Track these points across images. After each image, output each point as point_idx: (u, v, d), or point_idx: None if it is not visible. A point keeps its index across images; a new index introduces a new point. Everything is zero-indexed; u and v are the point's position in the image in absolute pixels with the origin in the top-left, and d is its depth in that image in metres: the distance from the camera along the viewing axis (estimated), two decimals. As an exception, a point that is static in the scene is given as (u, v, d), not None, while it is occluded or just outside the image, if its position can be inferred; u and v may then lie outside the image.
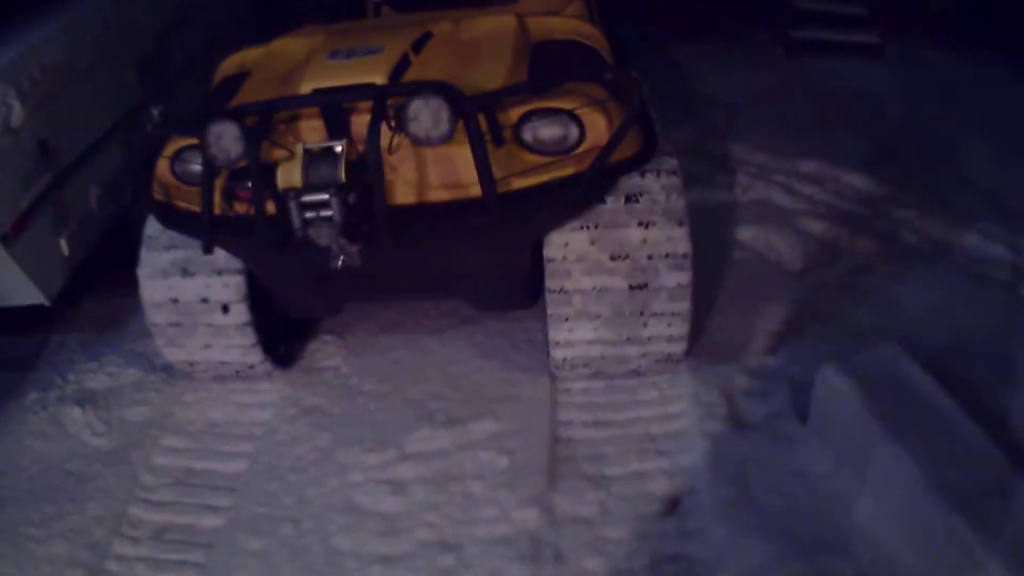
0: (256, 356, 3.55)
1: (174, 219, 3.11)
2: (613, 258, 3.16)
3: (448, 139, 2.65)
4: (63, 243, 3.85)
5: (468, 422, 3.36)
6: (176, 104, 4.68)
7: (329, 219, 2.62)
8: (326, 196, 2.59)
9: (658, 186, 3.19)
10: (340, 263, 2.71)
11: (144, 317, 3.53)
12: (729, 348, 3.63)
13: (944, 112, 5.52)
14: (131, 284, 3.50)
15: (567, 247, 3.15)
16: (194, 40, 5.18)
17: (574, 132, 2.90)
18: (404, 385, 3.61)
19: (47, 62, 3.79)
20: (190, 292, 3.38)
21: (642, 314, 3.24)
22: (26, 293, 3.68)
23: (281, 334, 3.79)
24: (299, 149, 2.70)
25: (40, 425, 3.65)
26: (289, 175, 2.66)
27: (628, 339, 3.31)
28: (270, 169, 2.71)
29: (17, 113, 3.49)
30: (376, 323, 4.00)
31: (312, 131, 2.84)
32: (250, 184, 2.75)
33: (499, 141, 2.85)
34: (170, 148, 3.09)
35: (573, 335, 3.30)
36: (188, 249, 3.28)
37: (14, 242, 3.53)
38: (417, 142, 2.67)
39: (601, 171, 2.84)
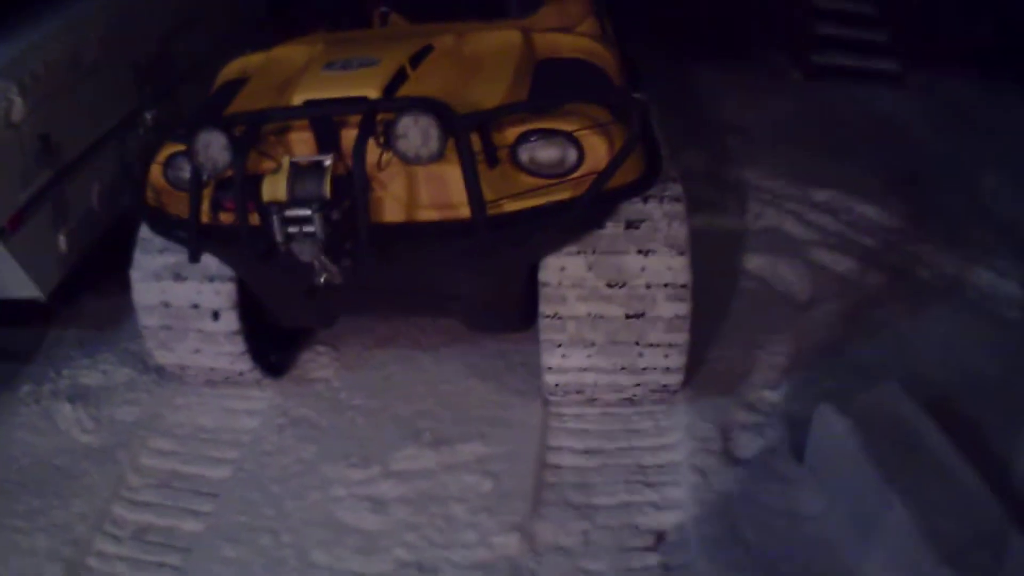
0: (245, 364, 3.52)
1: (163, 225, 3.08)
2: (610, 285, 3.09)
3: (437, 158, 2.58)
4: (62, 239, 3.84)
5: (456, 443, 3.30)
6: (177, 107, 4.67)
7: (312, 235, 2.56)
8: (308, 212, 2.54)
9: (660, 213, 3.11)
10: (323, 280, 2.66)
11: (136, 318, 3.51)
12: (729, 379, 3.54)
13: (963, 143, 5.41)
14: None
15: (563, 271, 3.08)
16: (200, 43, 5.17)
17: (572, 155, 2.81)
18: (394, 401, 3.56)
19: (50, 58, 3.78)
20: (181, 297, 3.36)
21: (637, 344, 3.16)
22: (21, 287, 3.67)
23: (273, 342, 3.75)
24: (286, 162, 2.65)
25: (32, 418, 3.67)
26: (274, 188, 2.61)
27: (623, 368, 3.23)
28: (257, 180, 2.66)
29: (18, 108, 3.49)
30: (371, 337, 3.95)
31: (302, 143, 2.78)
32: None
33: (493, 161, 2.77)
34: (163, 153, 3.06)
35: (566, 361, 3.23)
36: (181, 253, 3.22)
37: (11, 236, 3.52)
38: (405, 160, 2.59)
39: (598, 197, 2.76)
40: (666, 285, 3.09)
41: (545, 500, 3.05)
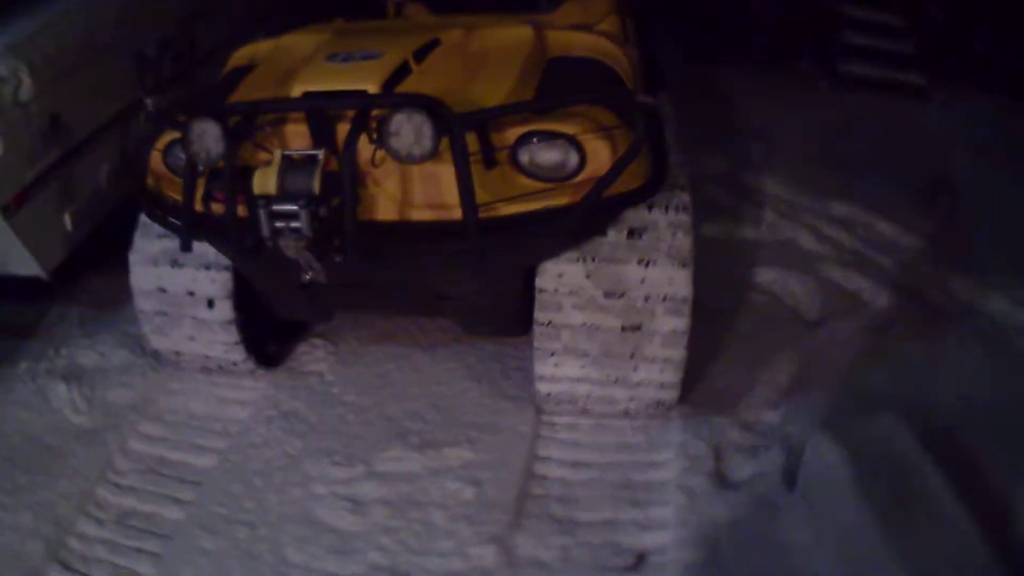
0: (239, 354, 3.50)
1: (158, 212, 3.05)
2: (608, 295, 3.01)
3: (430, 157, 2.50)
4: (67, 218, 3.84)
5: (442, 447, 3.25)
6: (192, 91, 4.65)
7: (298, 231, 2.50)
8: (296, 207, 2.48)
9: (665, 222, 3.03)
10: (308, 277, 2.61)
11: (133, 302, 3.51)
12: (728, 397, 3.45)
13: (985, 163, 5.24)
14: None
15: (560, 278, 3.01)
16: (218, 28, 5.14)
17: (574, 158, 2.72)
18: (385, 400, 3.52)
19: (63, 38, 3.77)
20: (178, 283, 3.34)
21: (632, 357, 3.08)
22: (24, 264, 3.68)
23: (270, 333, 3.72)
24: (278, 155, 2.59)
25: (26, 395, 3.67)
26: (264, 181, 2.55)
27: (616, 381, 3.16)
28: (249, 172, 2.61)
29: (27, 87, 3.47)
30: (369, 332, 3.91)
31: (297, 136, 2.72)
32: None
33: (491, 162, 2.70)
34: (163, 140, 3.03)
35: (559, 371, 3.17)
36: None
37: (15, 213, 3.52)
38: (397, 158, 2.52)
39: (597, 203, 2.66)
40: (665, 298, 3.00)
41: (527, 512, 2.98)
